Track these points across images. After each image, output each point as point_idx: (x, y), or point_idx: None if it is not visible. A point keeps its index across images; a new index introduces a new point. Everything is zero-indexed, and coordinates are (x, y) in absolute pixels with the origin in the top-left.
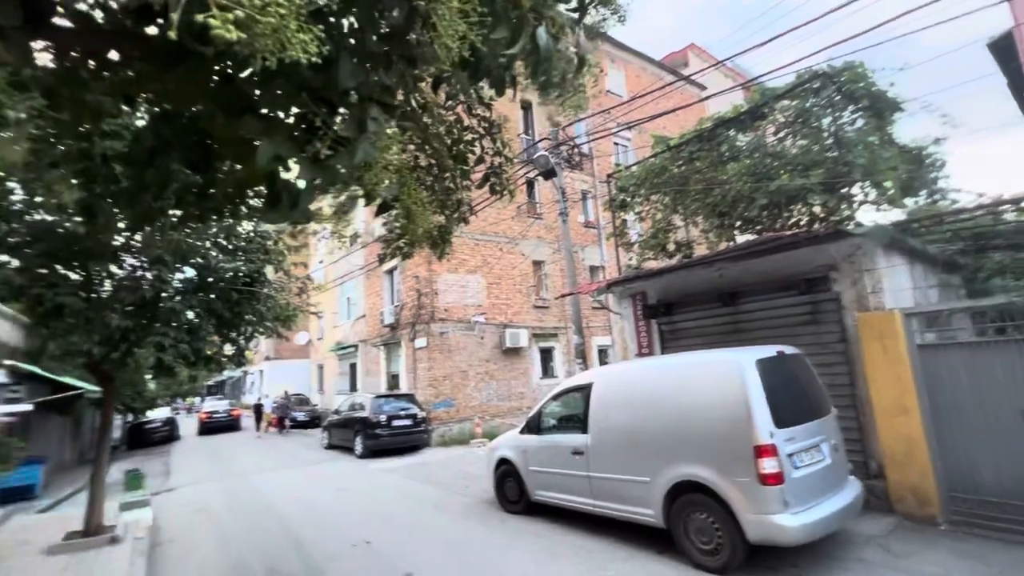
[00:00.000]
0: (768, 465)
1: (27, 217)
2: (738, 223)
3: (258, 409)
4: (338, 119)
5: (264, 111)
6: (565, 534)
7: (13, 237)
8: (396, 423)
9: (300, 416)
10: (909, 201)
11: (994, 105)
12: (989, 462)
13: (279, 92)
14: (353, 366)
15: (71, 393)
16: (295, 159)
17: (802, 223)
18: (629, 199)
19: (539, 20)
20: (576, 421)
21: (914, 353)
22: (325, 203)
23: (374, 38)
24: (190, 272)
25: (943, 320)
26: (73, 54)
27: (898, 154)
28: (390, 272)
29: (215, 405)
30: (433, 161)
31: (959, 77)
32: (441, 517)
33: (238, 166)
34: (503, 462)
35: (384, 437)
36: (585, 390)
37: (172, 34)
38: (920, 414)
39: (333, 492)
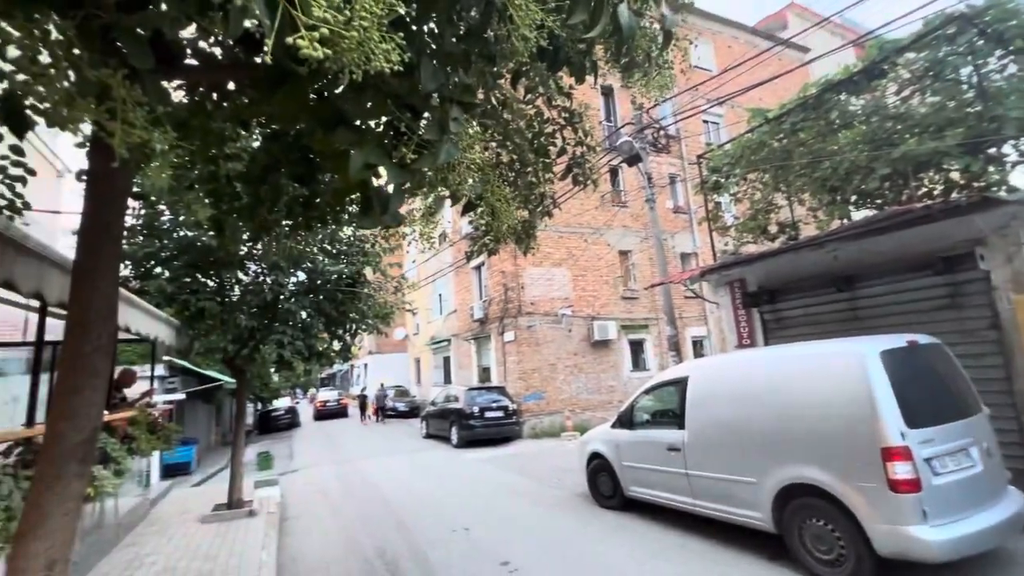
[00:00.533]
0: (900, 470)
1: (174, 234)
2: (853, 198)
3: (362, 399)
4: (422, 123)
5: (355, 122)
6: (664, 532)
7: (164, 252)
8: (488, 415)
9: (400, 407)
10: None
11: None
12: None
13: (367, 103)
14: (447, 359)
15: (213, 384)
16: (384, 165)
17: (935, 193)
18: (723, 180)
19: None
20: (671, 416)
21: None
22: (415, 206)
23: (452, 39)
24: (301, 276)
25: None
26: (200, 89)
27: None
28: (477, 268)
29: (327, 395)
30: (514, 157)
31: None
32: (535, 508)
33: (334, 176)
34: (595, 456)
35: (478, 428)
36: (681, 384)
37: (268, 58)
38: None
39: (432, 479)
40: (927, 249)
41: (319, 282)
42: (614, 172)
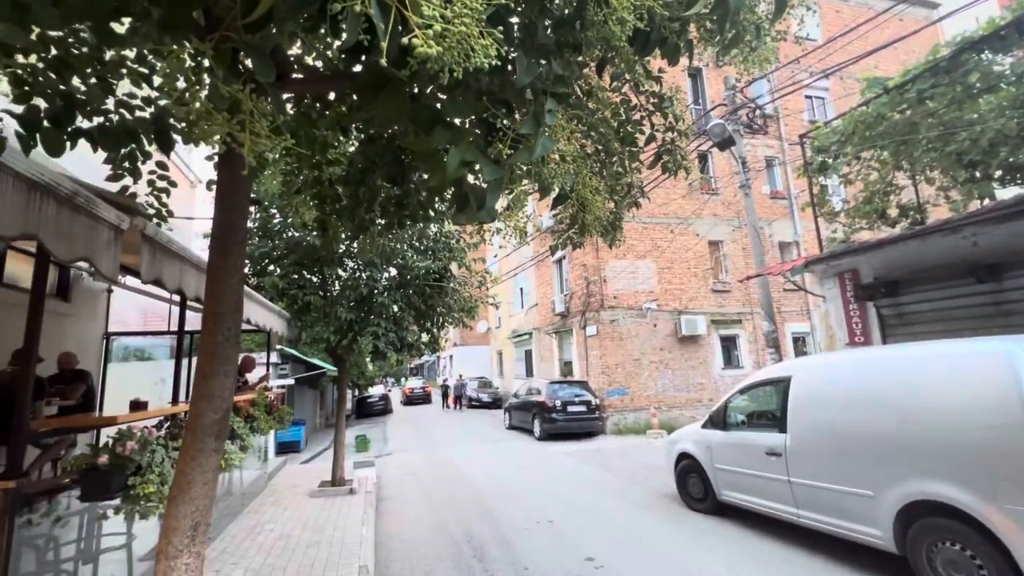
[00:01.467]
0: None
1: (284, 235)
2: (998, 173)
3: (445, 388)
4: (516, 117)
5: (451, 120)
6: (761, 541)
7: (276, 251)
8: (571, 409)
9: (484, 397)
10: None
11: None
12: None
13: (463, 101)
14: (528, 352)
15: (317, 372)
16: (480, 162)
17: None
18: (831, 160)
19: None
20: (770, 418)
21: None
22: (501, 201)
23: (546, 30)
24: (393, 272)
25: None
26: (305, 100)
27: None
28: (559, 262)
29: (414, 383)
30: (600, 147)
31: None
32: (621, 505)
33: (426, 176)
34: (684, 456)
35: (560, 421)
36: (782, 384)
37: (383, 60)
38: None
39: (515, 469)
40: None
41: (408, 277)
42: (703, 158)
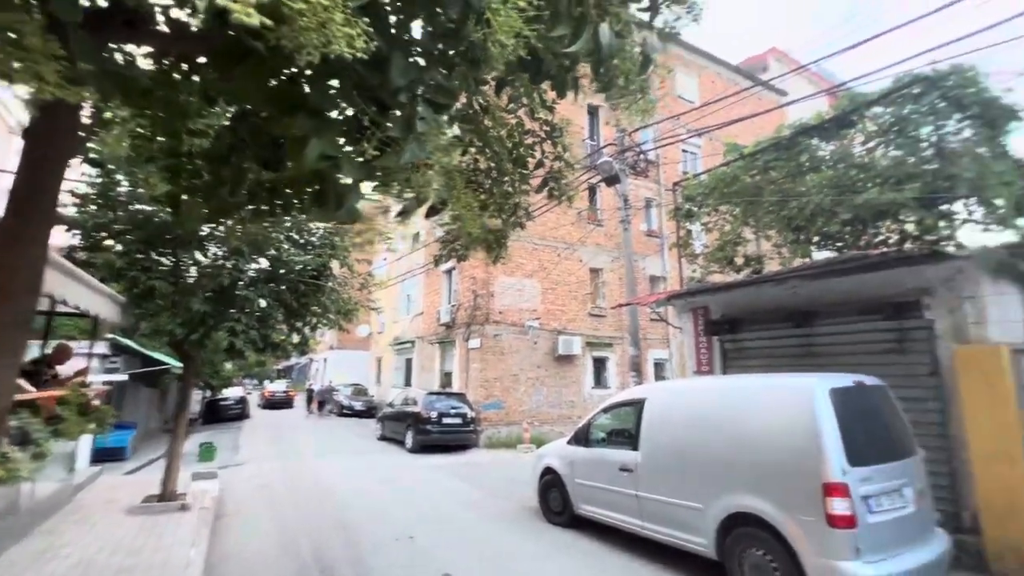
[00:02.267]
0: (838, 506)
1: (130, 207)
2: (816, 239)
3: (310, 393)
4: (390, 119)
5: (319, 110)
6: (610, 553)
7: (118, 224)
8: (446, 421)
9: (356, 405)
10: (1023, 222)
11: None
12: None
13: (331, 90)
14: (409, 361)
15: (158, 368)
16: (341, 158)
17: (891, 242)
18: (696, 209)
19: (602, 17)
20: (626, 436)
21: (1021, 393)
22: (387, 203)
23: (429, 36)
24: (264, 263)
25: None
26: (169, 59)
27: (1013, 168)
28: (448, 272)
29: (275, 386)
30: (492, 164)
31: None
32: (483, 520)
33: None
34: (548, 471)
35: (434, 433)
36: (638, 405)
37: (195, 20)
38: None
39: (382, 482)
40: (879, 294)
41: (282, 271)
42: (592, 190)
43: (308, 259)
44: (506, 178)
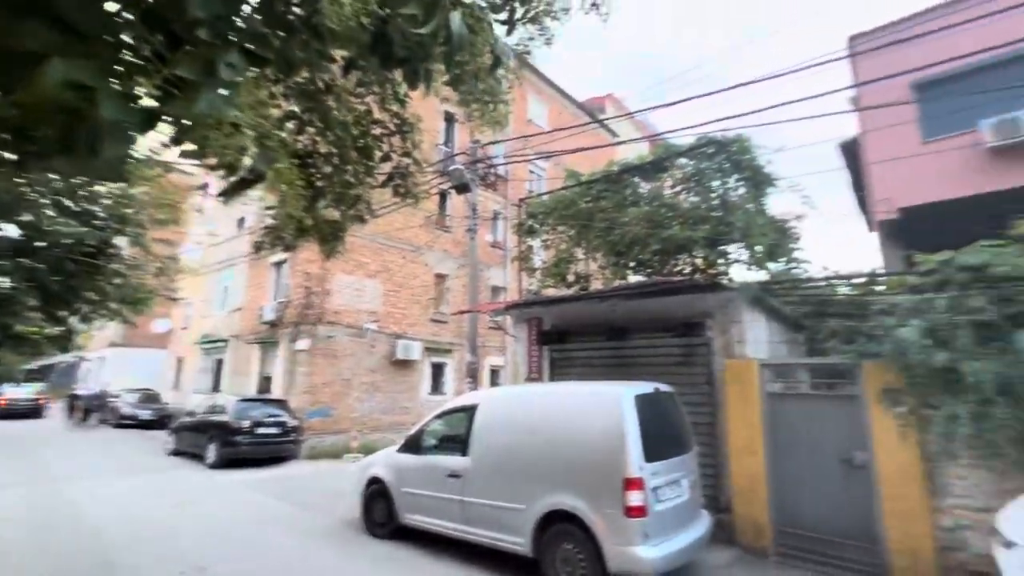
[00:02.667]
0: (635, 498)
1: None
2: (632, 264)
3: (73, 399)
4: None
5: (65, 18)
6: (433, 562)
7: None
8: (261, 431)
9: (143, 414)
10: (773, 265)
11: (840, 196)
12: (811, 501)
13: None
14: (220, 363)
15: None
16: (100, 90)
17: (686, 271)
18: (537, 226)
19: (455, 5)
20: (458, 443)
21: (764, 399)
22: (210, 178)
23: None
24: (13, 230)
25: (788, 372)
26: None
27: (768, 223)
28: (278, 264)
29: (17, 392)
30: (334, 150)
31: (818, 166)
32: (296, 539)
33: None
34: (374, 481)
35: (244, 446)
36: (470, 411)
37: None
38: (764, 454)
39: (173, 507)
40: (676, 315)
41: (41, 244)
42: (443, 197)
43: (83, 232)
44: (348, 167)
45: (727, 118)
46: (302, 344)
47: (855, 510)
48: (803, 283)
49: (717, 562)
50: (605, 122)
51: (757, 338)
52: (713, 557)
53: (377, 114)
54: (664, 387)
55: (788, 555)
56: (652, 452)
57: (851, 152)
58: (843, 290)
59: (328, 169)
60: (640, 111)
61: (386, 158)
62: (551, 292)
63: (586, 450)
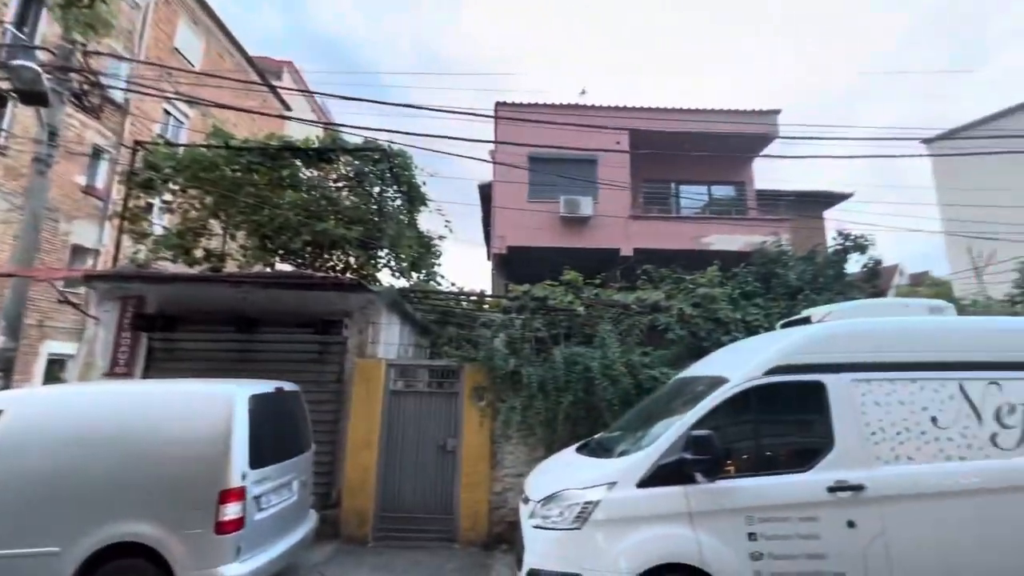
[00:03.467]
0: (231, 511)
1: None
2: (280, 251)
3: None
4: None
5: None
6: None
7: None
8: None
9: None
10: (415, 275)
11: (475, 226)
12: (412, 485)
13: None
14: None
15: None
16: None
17: (338, 268)
18: (160, 181)
19: None
20: None
21: (387, 396)
22: None
23: None
24: None
25: (411, 372)
26: None
27: (416, 237)
28: None
29: None
30: None
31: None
32: None
33: None
34: None
35: None
36: None
37: None
38: (378, 447)
39: None
40: (317, 311)
41: None
42: (1, 99)
43: None
44: None
45: (401, 132)
46: None
47: (442, 488)
48: (435, 294)
49: (316, 559)
50: (278, 89)
51: (389, 340)
52: (315, 555)
53: None
54: (289, 386)
55: (385, 538)
56: (263, 456)
57: (486, 193)
58: (464, 304)
59: None
60: (318, 93)
61: None
62: (168, 267)
63: (176, 463)
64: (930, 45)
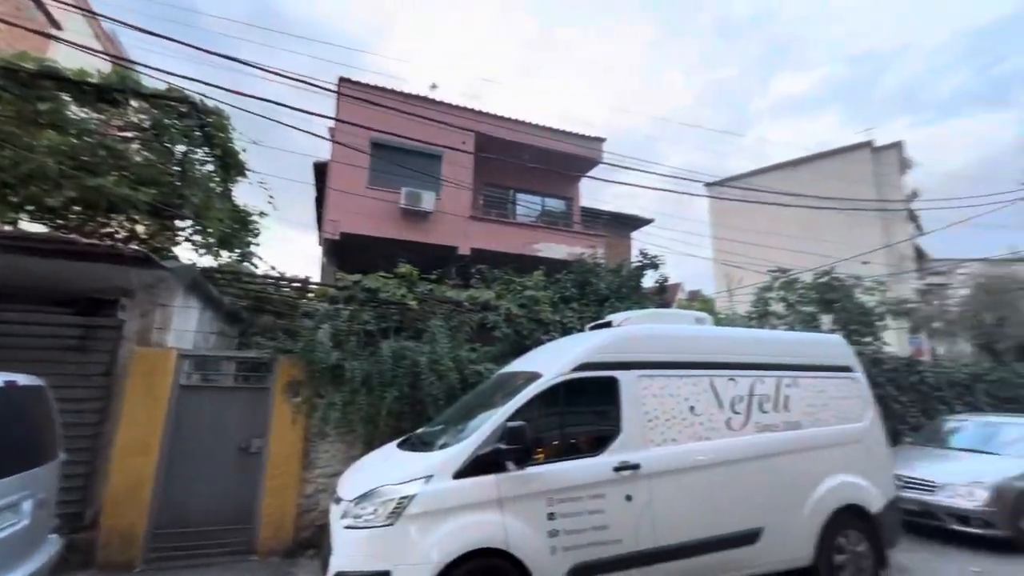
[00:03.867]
0: None
1: None
2: (30, 206)
3: None
4: None
5: None
6: None
7: None
8: None
9: None
10: (226, 253)
11: (306, 207)
12: (203, 495)
13: None
14: None
15: None
16: None
17: (118, 236)
18: None
19: None
20: None
21: (176, 393)
22: None
23: None
24: None
25: (211, 364)
26: None
27: (230, 210)
28: None
29: None
30: None
31: (294, 174)
32: None
33: None
34: None
35: None
36: None
37: None
38: (159, 453)
39: None
40: (80, 286)
41: None
42: None
43: None
44: None
45: (221, 88)
46: None
47: (242, 495)
48: (249, 277)
49: None
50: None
51: (184, 326)
52: None
53: None
54: (27, 380)
55: (159, 559)
56: None
57: (321, 172)
58: (285, 290)
59: None
60: (113, 20)
61: None
62: None
63: None
64: (715, 107)
